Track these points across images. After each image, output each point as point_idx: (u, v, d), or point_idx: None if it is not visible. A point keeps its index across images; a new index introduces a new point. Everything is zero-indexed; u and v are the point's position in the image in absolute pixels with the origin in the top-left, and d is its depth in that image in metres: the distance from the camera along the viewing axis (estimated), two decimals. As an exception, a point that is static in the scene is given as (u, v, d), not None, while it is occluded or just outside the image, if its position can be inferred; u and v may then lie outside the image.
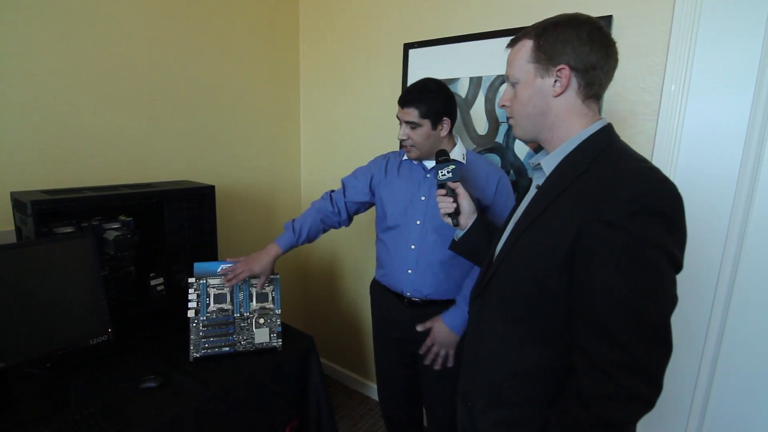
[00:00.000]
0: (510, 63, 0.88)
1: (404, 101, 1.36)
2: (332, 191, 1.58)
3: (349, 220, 1.58)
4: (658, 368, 0.70)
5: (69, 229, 1.35)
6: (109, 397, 1.18)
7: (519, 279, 0.83)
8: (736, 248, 1.29)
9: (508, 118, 0.93)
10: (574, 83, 0.82)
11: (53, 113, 1.49)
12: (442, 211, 1.14)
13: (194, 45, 1.86)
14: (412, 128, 1.35)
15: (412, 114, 1.34)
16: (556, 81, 0.82)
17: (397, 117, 1.40)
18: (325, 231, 1.55)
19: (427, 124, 1.35)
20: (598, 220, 0.71)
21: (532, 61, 0.83)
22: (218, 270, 1.44)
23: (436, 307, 1.44)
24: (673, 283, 0.72)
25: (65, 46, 1.49)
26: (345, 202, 1.54)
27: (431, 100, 1.33)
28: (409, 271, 1.44)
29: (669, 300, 0.71)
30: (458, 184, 1.14)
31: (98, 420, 1.07)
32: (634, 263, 0.69)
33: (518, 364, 0.85)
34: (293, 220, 1.51)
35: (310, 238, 1.52)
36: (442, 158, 1.16)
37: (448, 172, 1.13)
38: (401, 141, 1.40)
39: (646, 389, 0.70)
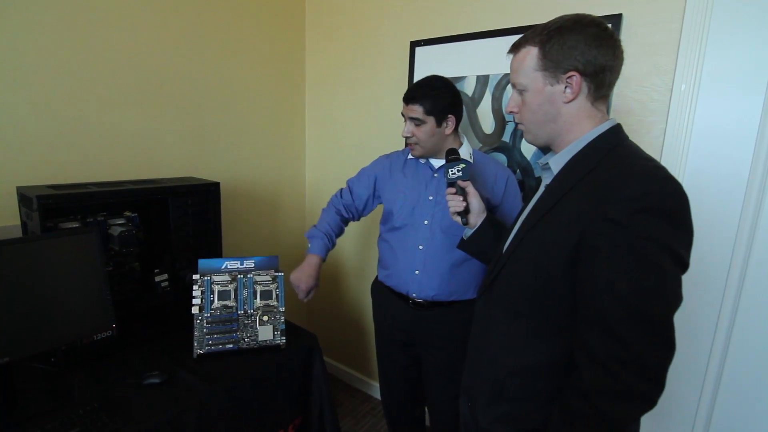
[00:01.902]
0: (515, 70, 0.87)
1: (409, 98, 1.35)
2: (341, 192, 1.61)
3: (359, 217, 1.63)
4: (659, 366, 0.70)
5: (74, 225, 1.35)
6: (112, 393, 1.18)
7: (525, 275, 0.84)
8: (746, 249, 1.28)
9: (517, 124, 0.92)
10: (584, 87, 0.81)
11: (59, 109, 1.49)
12: (452, 209, 1.14)
13: (200, 42, 1.86)
14: (417, 125, 1.35)
15: (417, 110, 1.33)
16: (566, 87, 0.81)
17: (402, 114, 1.39)
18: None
19: (431, 121, 1.34)
20: (602, 217, 0.71)
21: (540, 69, 0.83)
22: (222, 267, 1.44)
23: (441, 308, 1.43)
24: (678, 281, 0.71)
25: (72, 43, 1.49)
26: (355, 206, 1.59)
27: (436, 96, 1.32)
28: (417, 272, 1.42)
29: (672, 298, 0.71)
30: (468, 182, 1.14)
31: (101, 415, 1.07)
32: (637, 261, 0.69)
33: (522, 360, 0.86)
34: (314, 227, 1.54)
35: (338, 237, 1.59)
36: (452, 157, 1.16)
37: (458, 171, 1.13)
38: (406, 138, 1.39)
39: (647, 386, 0.70)
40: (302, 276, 1.46)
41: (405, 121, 1.38)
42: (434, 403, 1.55)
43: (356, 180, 1.59)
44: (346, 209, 1.59)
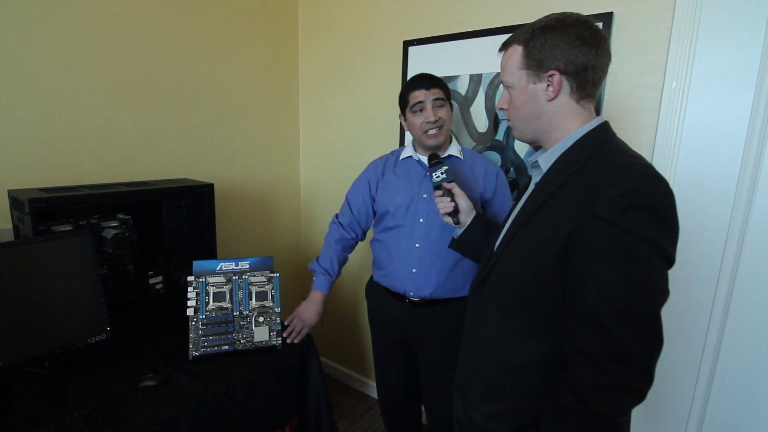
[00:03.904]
0: (503, 68, 0.89)
1: (428, 84, 1.38)
2: (338, 216, 1.62)
3: (364, 235, 1.63)
4: (648, 360, 0.71)
5: (67, 228, 1.34)
6: (107, 397, 1.17)
7: (515, 272, 0.85)
8: (737, 246, 1.29)
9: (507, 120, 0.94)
10: (566, 86, 0.82)
11: (51, 111, 1.48)
12: (442, 211, 1.17)
13: (192, 43, 1.85)
14: (441, 106, 1.38)
15: (441, 93, 1.38)
16: (548, 86, 0.83)
17: (414, 106, 1.37)
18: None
19: (447, 105, 1.40)
20: (590, 214, 0.72)
21: (524, 68, 0.84)
22: (217, 268, 1.44)
23: (437, 306, 1.44)
24: (664, 277, 0.73)
25: (63, 44, 1.48)
26: (357, 223, 1.59)
27: (445, 85, 1.41)
28: (414, 270, 1.43)
29: (659, 293, 0.72)
30: (453, 184, 1.17)
31: (96, 419, 1.06)
32: (625, 257, 0.70)
33: (513, 357, 0.87)
34: (317, 260, 1.58)
35: (342, 266, 1.61)
36: (435, 161, 1.19)
37: (441, 174, 1.16)
38: (430, 124, 1.36)
39: (636, 380, 0.71)
40: (303, 311, 1.54)
41: (420, 110, 1.36)
42: (431, 402, 1.56)
43: (352, 190, 1.60)
44: (348, 229, 1.59)
